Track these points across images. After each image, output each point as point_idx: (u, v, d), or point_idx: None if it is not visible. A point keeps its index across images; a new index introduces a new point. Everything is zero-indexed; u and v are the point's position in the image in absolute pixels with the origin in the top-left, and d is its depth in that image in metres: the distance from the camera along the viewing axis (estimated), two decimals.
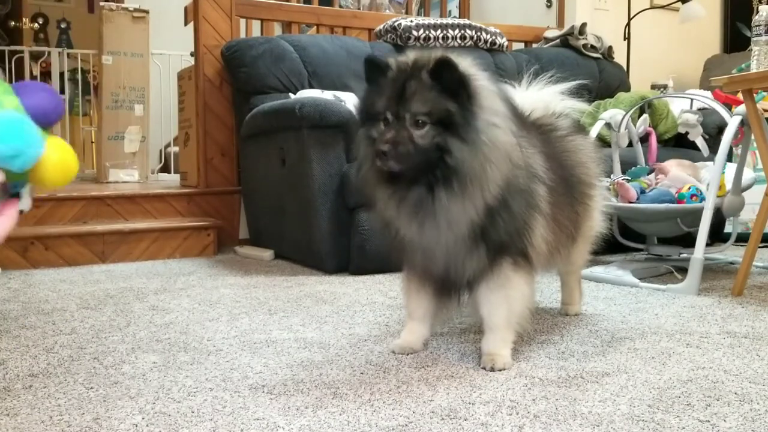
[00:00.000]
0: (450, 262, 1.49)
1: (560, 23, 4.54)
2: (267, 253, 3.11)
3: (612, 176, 2.78)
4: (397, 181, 1.43)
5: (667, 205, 2.48)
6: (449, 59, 1.37)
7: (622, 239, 2.82)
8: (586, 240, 1.91)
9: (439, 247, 1.46)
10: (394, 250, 1.59)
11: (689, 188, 2.50)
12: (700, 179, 2.69)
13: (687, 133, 2.84)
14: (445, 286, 1.57)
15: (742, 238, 2.71)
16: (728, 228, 3.31)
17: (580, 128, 1.97)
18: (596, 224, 1.92)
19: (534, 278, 1.58)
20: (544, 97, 1.85)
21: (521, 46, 4.46)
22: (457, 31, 3.80)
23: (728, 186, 2.47)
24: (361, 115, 1.52)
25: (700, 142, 2.83)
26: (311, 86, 3.34)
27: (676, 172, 2.62)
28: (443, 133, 1.37)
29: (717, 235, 3.25)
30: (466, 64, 1.42)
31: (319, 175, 2.68)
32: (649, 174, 2.72)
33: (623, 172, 2.82)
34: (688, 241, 2.53)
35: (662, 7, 4.60)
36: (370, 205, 1.58)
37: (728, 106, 2.63)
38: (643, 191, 2.61)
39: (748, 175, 2.55)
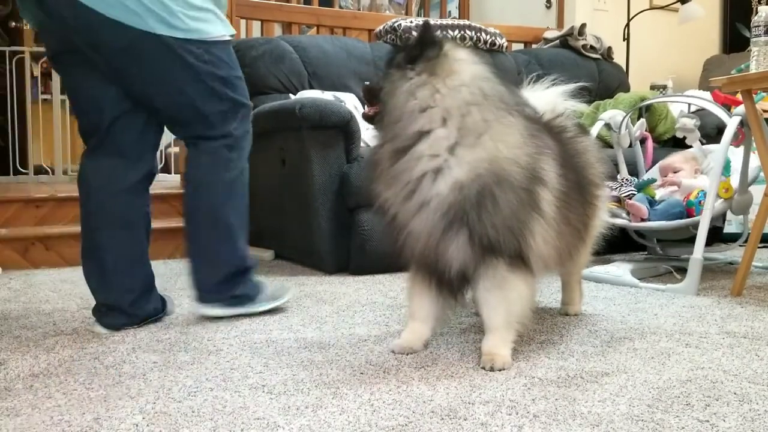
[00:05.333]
0: (431, 245, 1.49)
1: (560, 24, 4.55)
2: (267, 253, 3.12)
3: (618, 178, 2.79)
4: None
5: (678, 221, 2.49)
6: (425, 23, 1.54)
7: (637, 238, 2.85)
8: (590, 240, 1.91)
9: (417, 222, 1.48)
10: (388, 239, 1.60)
11: (698, 194, 2.51)
12: (702, 169, 2.70)
13: (685, 137, 2.85)
14: (443, 282, 1.57)
15: (747, 238, 2.71)
16: (728, 228, 3.32)
17: (584, 129, 1.98)
18: (600, 224, 1.92)
19: (534, 279, 1.57)
20: (550, 98, 1.86)
21: (521, 46, 4.46)
22: (456, 31, 3.80)
23: (734, 185, 2.47)
24: None
25: (697, 146, 2.84)
26: (311, 87, 3.35)
27: (687, 182, 2.63)
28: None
29: (717, 236, 3.25)
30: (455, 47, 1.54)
31: (319, 175, 2.68)
32: (653, 183, 2.74)
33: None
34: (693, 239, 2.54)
35: (662, 7, 4.60)
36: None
37: (727, 106, 2.63)
38: (651, 203, 2.62)
39: (754, 163, 2.52)
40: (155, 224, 2.58)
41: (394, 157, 1.49)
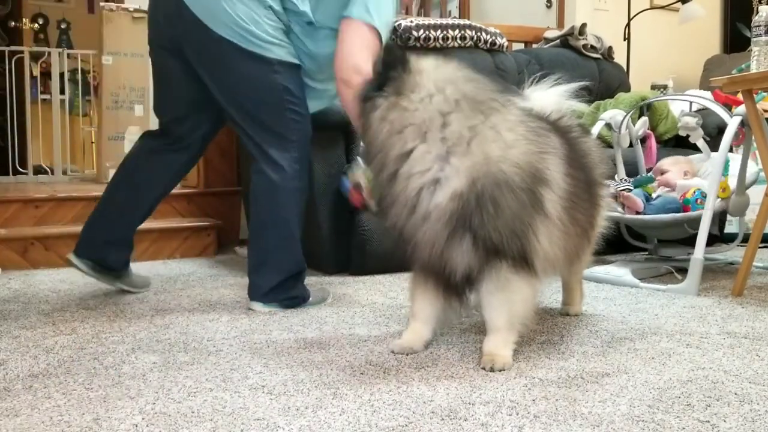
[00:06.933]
0: (436, 253, 1.49)
1: (560, 24, 4.54)
2: None
3: (616, 178, 2.78)
4: None
5: (674, 215, 2.48)
6: (386, 46, 1.60)
7: (631, 239, 2.83)
8: (594, 240, 1.91)
9: (421, 234, 1.48)
10: (399, 250, 1.60)
11: (694, 192, 2.50)
12: (698, 173, 2.69)
13: (688, 136, 2.84)
14: (449, 285, 1.57)
15: (743, 239, 2.71)
16: (729, 228, 3.31)
17: (586, 129, 1.98)
18: (602, 224, 1.92)
19: (538, 280, 1.56)
20: (554, 98, 1.86)
21: (521, 46, 4.45)
22: (457, 31, 3.79)
23: (732, 186, 2.47)
24: None
25: (701, 144, 2.83)
26: None
27: (681, 182, 2.62)
28: None
29: (713, 240, 3.24)
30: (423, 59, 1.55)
31: (319, 176, 2.68)
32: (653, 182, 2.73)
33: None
34: (692, 240, 2.53)
35: (662, 7, 4.60)
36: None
37: (728, 106, 2.63)
38: (648, 199, 2.61)
39: (752, 168, 2.53)
40: (155, 224, 2.61)
41: (389, 182, 1.50)
